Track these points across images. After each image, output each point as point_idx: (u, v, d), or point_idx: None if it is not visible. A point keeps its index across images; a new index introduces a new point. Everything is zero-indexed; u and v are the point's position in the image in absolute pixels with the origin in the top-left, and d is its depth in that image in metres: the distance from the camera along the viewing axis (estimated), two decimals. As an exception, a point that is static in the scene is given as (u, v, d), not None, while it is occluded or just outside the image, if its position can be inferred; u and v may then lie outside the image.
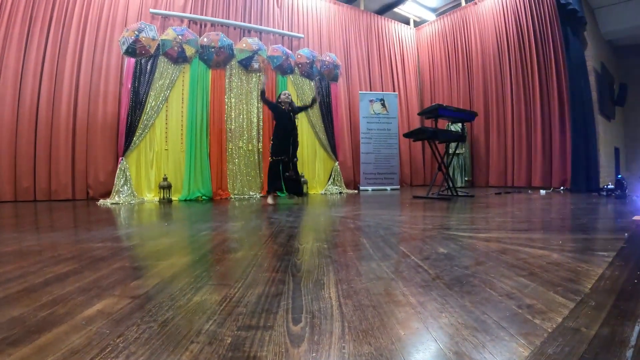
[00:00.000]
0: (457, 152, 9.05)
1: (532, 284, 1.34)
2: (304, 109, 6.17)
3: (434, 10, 11.21)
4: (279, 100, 5.79)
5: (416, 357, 0.82)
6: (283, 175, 5.71)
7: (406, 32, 11.52)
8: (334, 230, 2.95)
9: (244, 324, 1.03)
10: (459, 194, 6.11)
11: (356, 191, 8.67)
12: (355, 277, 1.49)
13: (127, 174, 6.32)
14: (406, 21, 11.66)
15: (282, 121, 5.69)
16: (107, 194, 6.40)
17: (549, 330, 0.94)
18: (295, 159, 5.84)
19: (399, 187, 9.48)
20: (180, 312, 1.13)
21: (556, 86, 7.58)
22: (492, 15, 9.12)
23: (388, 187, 9.28)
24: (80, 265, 1.76)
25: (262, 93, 5.64)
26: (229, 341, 0.92)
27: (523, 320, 1.01)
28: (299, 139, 8.00)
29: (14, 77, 6.13)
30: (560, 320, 1.00)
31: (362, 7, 10.69)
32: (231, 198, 6.91)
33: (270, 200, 5.50)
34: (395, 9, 11.10)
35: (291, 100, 5.84)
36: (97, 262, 1.83)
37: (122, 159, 6.32)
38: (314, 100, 6.15)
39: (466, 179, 9.42)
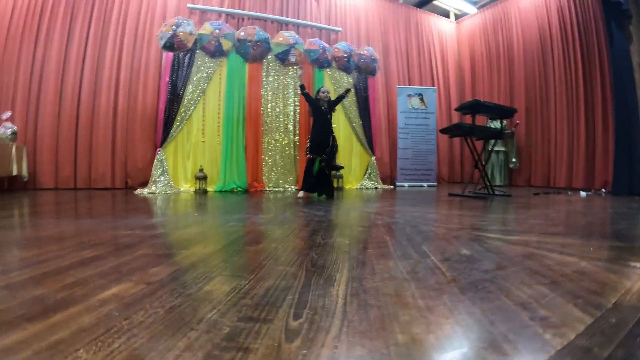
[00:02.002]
0: (497, 149, 8.81)
1: (552, 294, 1.25)
2: (338, 101, 5.97)
3: (474, 3, 10.88)
4: (318, 97, 5.67)
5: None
6: (317, 174, 5.59)
7: (446, 26, 11.26)
8: (360, 226, 2.93)
9: (245, 316, 1.04)
10: (496, 193, 5.94)
11: (392, 187, 8.57)
12: (369, 275, 1.47)
13: (165, 164, 6.50)
14: (446, 14, 11.39)
15: (320, 120, 5.60)
16: (145, 184, 6.61)
17: (558, 347, 0.87)
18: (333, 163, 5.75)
19: (436, 183, 9.32)
20: (187, 300, 1.16)
21: (599, 83, 7.22)
22: (534, 8, 8.77)
23: (425, 184, 9.13)
24: (105, 251, 1.85)
25: (302, 87, 5.62)
26: (226, 331, 0.94)
27: (532, 334, 0.94)
28: (336, 132, 8.04)
29: (56, 71, 6.43)
30: (573, 337, 0.92)
31: (401, 0, 10.52)
32: (266, 190, 6.98)
33: (301, 194, 5.57)
34: (435, 2, 10.86)
35: (329, 97, 5.74)
36: (122, 249, 1.91)
37: (159, 150, 6.50)
38: (347, 90, 5.94)
39: (511, 165, 9.06)
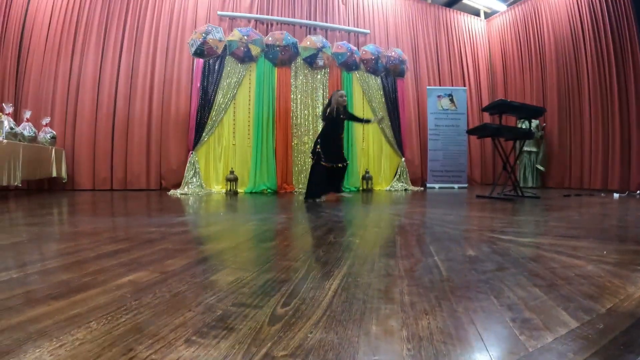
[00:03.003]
0: (527, 150, 8.63)
1: (544, 297, 1.25)
2: (353, 119, 5.86)
3: (504, 0, 10.67)
4: (331, 103, 5.42)
5: (369, 354, 0.85)
6: (329, 180, 5.40)
7: (476, 25, 11.09)
8: (375, 227, 2.98)
9: (239, 302, 1.16)
10: (525, 194, 5.84)
11: (422, 189, 8.53)
12: (367, 272, 1.54)
13: (197, 166, 6.72)
14: (476, 13, 11.21)
15: (337, 126, 5.45)
16: (178, 185, 6.85)
17: (530, 349, 0.87)
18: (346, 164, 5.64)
19: (467, 185, 9.20)
20: (192, 287, 1.31)
21: (634, 81, 6.96)
22: (565, 3, 8.53)
23: (455, 185, 9.03)
24: (130, 245, 2.04)
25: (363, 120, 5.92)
26: (218, 313, 1.07)
27: (508, 335, 0.95)
28: (365, 134, 8.10)
29: (92, 78, 6.80)
30: (549, 340, 0.91)
31: (429, 1, 10.45)
32: (295, 192, 7.09)
33: (322, 198, 5.24)
34: (465, 1, 10.73)
35: (346, 104, 5.54)
36: (145, 244, 2.09)
37: (192, 153, 6.72)
38: (367, 121, 6.05)
39: (537, 166, 8.82)
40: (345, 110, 5.51)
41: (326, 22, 8.60)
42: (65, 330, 0.93)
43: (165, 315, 1.04)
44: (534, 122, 8.46)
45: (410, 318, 1.05)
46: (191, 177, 6.67)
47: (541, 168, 8.76)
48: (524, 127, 7.86)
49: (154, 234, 2.37)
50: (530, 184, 8.73)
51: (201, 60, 6.81)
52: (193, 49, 6.70)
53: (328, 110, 5.41)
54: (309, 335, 0.92)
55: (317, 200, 5.11)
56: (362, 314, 1.07)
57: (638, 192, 6.53)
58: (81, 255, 1.79)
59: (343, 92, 5.54)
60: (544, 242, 2.24)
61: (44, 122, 6.08)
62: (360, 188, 7.81)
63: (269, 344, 0.87)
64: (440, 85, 9.97)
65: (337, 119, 5.39)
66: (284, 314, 1.06)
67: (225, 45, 6.87)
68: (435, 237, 2.42)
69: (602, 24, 7.59)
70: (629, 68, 7.06)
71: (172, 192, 6.44)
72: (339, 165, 5.45)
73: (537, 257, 1.84)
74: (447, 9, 10.69)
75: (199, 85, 6.79)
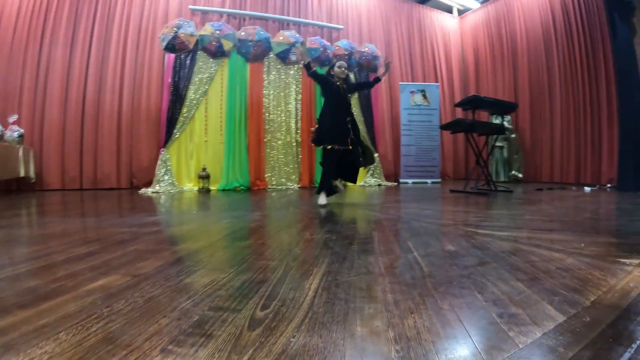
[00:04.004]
0: (498, 145, 8.75)
1: (528, 291, 1.24)
2: (362, 86, 5.03)
3: (478, -2, 10.80)
4: (332, 73, 4.46)
5: (356, 357, 0.81)
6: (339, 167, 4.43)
7: (449, 21, 11.17)
8: (352, 223, 2.95)
9: (216, 306, 1.10)
10: (498, 189, 5.91)
11: (395, 184, 8.55)
12: (346, 270, 1.50)
13: (168, 164, 6.55)
14: (449, 10, 11.30)
15: (333, 99, 4.36)
16: (149, 183, 6.66)
17: (520, 346, 0.85)
18: (357, 143, 4.46)
19: (440, 180, 9.27)
20: (166, 291, 1.24)
21: (604, 77, 7.12)
22: (537, 1, 8.69)
23: (429, 180, 9.09)
24: (101, 247, 1.95)
25: (308, 66, 4.33)
26: (195, 319, 1.01)
27: (497, 331, 0.94)
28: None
29: (61, 74, 6.52)
30: (539, 335, 0.90)
31: (403, -3, 10.49)
32: (268, 189, 7.01)
33: (322, 201, 4.21)
34: (438, -3, 10.82)
35: (347, 75, 4.56)
36: (117, 245, 2.00)
37: (163, 150, 6.55)
38: (378, 80, 4.88)
39: (513, 173, 8.98)
40: (346, 83, 4.50)
41: (299, 17, 8.51)
42: (33, 342, 0.87)
43: (138, 323, 0.98)
44: (506, 118, 8.59)
45: (395, 317, 1.02)
46: (163, 175, 6.50)
47: (519, 175, 8.89)
48: (497, 122, 7.98)
49: (126, 235, 2.28)
50: (501, 178, 8.86)
51: (172, 55, 6.63)
52: (164, 44, 6.53)
53: (321, 81, 4.51)
54: (291, 339, 0.87)
55: (322, 200, 4.23)
56: (346, 315, 1.02)
57: (609, 185, 6.70)
58: (50, 259, 1.70)
59: (342, 62, 4.52)
60: (521, 236, 2.24)
61: (10, 120, 5.80)
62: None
63: (250, 351, 0.82)
64: (413, 81, 10.00)
65: (335, 91, 4.37)
66: (264, 318, 1.01)
67: (197, 40, 6.71)
68: (412, 232, 2.40)
69: (573, 22, 7.74)
70: (600, 66, 7.22)
71: (143, 190, 6.26)
72: (339, 147, 4.24)
73: (517, 251, 1.84)
74: (421, 5, 10.73)
75: (170, 80, 6.61)
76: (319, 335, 0.89)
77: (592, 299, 1.18)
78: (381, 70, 4.55)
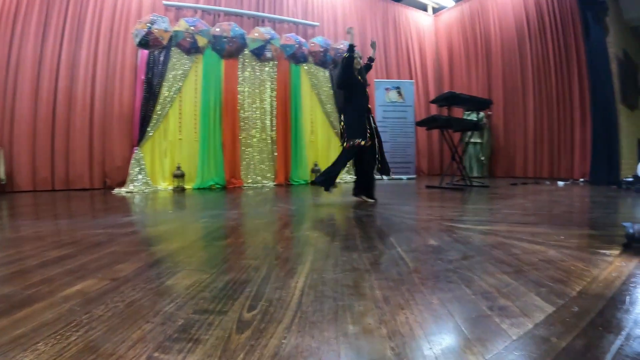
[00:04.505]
0: (474, 141, 8.87)
1: (514, 283, 1.26)
2: (367, 71, 4.44)
3: (453, -4, 10.93)
4: (349, 65, 4.13)
5: (352, 356, 0.79)
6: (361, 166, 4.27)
7: (424, 19, 11.28)
8: (331, 220, 2.93)
9: (201, 308, 1.06)
10: (473, 184, 5.99)
11: (371, 180, 8.56)
12: (331, 267, 1.47)
13: (142, 163, 6.40)
14: (424, 8, 11.41)
15: (361, 95, 4.19)
16: (123, 183, 6.49)
17: (514, 337, 0.86)
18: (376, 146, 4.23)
19: (415, 176, 9.35)
20: (148, 294, 1.19)
21: (577, 74, 7.32)
22: (512, 1, 8.84)
23: (404, 176, 9.14)
24: (76, 250, 1.86)
25: (351, 48, 4.12)
26: (180, 323, 0.96)
27: (489, 323, 0.94)
28: (314, 126, 8.02)
29: (31, 71, 6.25)
30: (531, 326, 0.91)
31: (378, -6, 10.53)
32: (244, 187, 6.93)
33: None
34: (413, -4, 10.90)
35: (361, 64, 4.31)
36: (93, 247, 1.91)
37: (136, 149, 6.40)
38: (372, 59, 4.66)
39: (482, 158, 9.12)
40: (361, 74, 4.27)
41: (275, 14, 8.43)
42: (10, 355, 0.81)
43: (121, 330, 0.93)
44: (480, 114, 8.72)
45: (386, 314, 1.00)
46: (136, 175, 6.34)
47: (481, 158, 9.06)
48: (471, 118, 8.08)
49: (101, 236, 2.19)
50: (475, 174, 8.98)
51: (146, 52, 6.46)
52: (137, 40, 6.35)
53: (346, 75, 4.17)
54: (283, 341, 0.84)
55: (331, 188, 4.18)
56: (336, 313, 1.00)
57: (582, 180, 6.87)
58: (24, 263, 1.62)
59: (357, 51, 4.23)
60: (501, 230, 2.26)
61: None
62: (309, 181, 7.74)
63: (241, 355, 0.79)
64: (388, 78, 10.05)
65: (359, 84, 4.19)
66: (251, 319, 0.97)
67: (171, 36, 6.56)
68: (394, 228, 2.39)
69: (547, 22, 7.91)
70: (573, 64, 7.41)
71: (116, 190, 6.09)
72: (365, 142, 4.04)
73: (499, 244, 1.85)
74: (396, 3, 10.79)
75: (143, 77, 6.44)
76: (311, 336, 0.86)
77: (578, 289, 1.19)
78: (370, 51, 4.49)
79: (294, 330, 0.89)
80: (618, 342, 0.82)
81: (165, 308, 1.06)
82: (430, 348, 0.81)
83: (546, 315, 0.98)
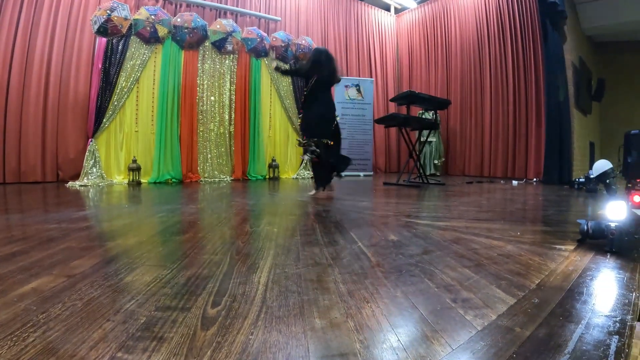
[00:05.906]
0: (428, 139, 9.08)
1: (476, 277, 1.30)
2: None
3: (415, -3, 11.13)
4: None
5: (321, 349, 0.79)
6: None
7: (386, 19, 11.43)
8: (291, 215, 2.93)
9: (163, 305, 1.03)
10: (430, 181, 6.13)
11: (329, 176, 8.60)
12: (293, 262, 1.47)
13: (97, 155, 6.15)
14: (387, 8, 11.54)
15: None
16: (77, 176, 6.22)
17: (479, 328, 0.88)
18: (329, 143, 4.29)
19: (372, 173, 9.47)
20: (107, 291, 1.14)
21: (534, 78, 7.62)
22: (473, 5, 9.08)
23: (361, 173, 9.24)
24: (29, 246, 1.77)
25: (278, 69, 4.59)
26: (142, 321, 0.93)
27: (453, 315, 0.96)
28: (272, 122, 7.96)
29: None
30: (494, 317, 0.94)
31: (341, -9, 10.57)
32: (201, 181, 6.80)
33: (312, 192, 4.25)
34: (376, -5, 11.01)
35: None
36: (47, 243, 1.83)
37: (91, 140, 6.14)
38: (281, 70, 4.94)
39: (435, 161, 9.36)
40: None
41: (237, 6, 8.31)
42: None
43: (80, 329, 0.88)
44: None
45: (352, 308, 1.01)
46: (91, 167, 6.08)
47: (437, 162, 9.30)
48: (428, 117, 8.25)
49: (55, 232, 2.09)
50: (429, 172, 9.18)
51: (104, 40, 6.18)
52: (96, 27, 6.07)
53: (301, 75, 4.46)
54: (250, 337, 0.83)
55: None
56: (301, 308, 1.00)
57: (535, 179, 7.16)
58: (-29, 261, 1.50)
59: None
60: (459, 225, 2.33)
61: None
62: (267, 176, 7.69)
63: (208, 352, 0.77)
64: (348, 76, 10.12)
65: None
66: (216, 315, 0.96)
67: (131, 24, 6.32)
68: (353, 224, 2.41)
69: (507, 26, 8.18)
70: (530, 68, 7.70)
71: (70, 184, 5.82)
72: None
73: (458, 240, 1.91)
74: (359, 1, 10.86)
75: (100, 66, 6.15)
76: (278, 331, 0.86)
77: (537, 282, 1.25)
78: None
79: (260, 325, 0.89)
80: (579, 331, 0.87)
81: (126, 306, 1.02)
82: (398, 340, 0.82)
83: (508, 307, 1.02)
